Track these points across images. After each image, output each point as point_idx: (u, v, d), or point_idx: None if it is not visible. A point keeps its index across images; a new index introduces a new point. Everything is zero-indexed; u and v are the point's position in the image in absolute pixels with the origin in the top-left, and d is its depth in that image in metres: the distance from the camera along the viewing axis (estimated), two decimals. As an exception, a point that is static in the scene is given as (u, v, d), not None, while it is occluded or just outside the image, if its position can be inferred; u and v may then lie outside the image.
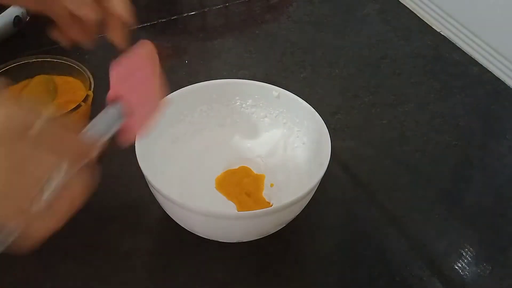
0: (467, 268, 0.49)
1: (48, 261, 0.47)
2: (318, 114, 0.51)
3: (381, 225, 0.52)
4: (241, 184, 0.53)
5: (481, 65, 0.72)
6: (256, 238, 0.47)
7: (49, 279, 0.46)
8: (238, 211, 0.50)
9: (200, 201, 0.50)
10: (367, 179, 0.56)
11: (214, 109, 0.55)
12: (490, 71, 0.71)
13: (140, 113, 0.38)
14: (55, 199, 0.29)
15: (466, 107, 0.66)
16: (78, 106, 0.52)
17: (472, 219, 0.53)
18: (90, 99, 0.54)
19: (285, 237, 0.49)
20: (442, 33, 0.78)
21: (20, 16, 0.68)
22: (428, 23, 0.79)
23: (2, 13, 0.67)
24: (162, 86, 0.40)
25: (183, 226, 0.47)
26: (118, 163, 0.55)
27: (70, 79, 0.58)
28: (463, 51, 0.74)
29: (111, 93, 0.37)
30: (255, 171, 0.54)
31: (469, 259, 0.49)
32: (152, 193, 0.46)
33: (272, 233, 0.47)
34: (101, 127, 0.35)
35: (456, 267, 0.49)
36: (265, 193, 0.52)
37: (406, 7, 0.83)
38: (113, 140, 0.36)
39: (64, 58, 0.58)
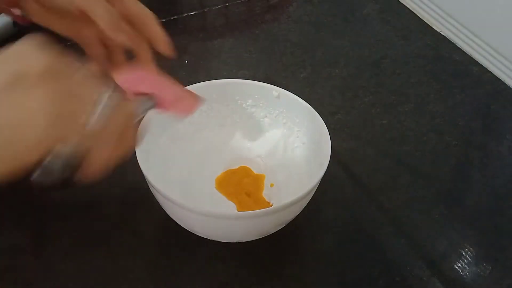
0: (467, 268, 0.49)
1: (48, 261, 0.47)
2: (318, 114, 0.51)
3: (381, 225, 0.52)
4: (241, 184, 0.53)
5: (481, 65, 0.72)
6: (256, 238, 0.47)
7: (49, 279, 0.46)
8: (238, 211, 0.50)
9: (200, 201, 0.50)
10: (367, 179, 0.56)
11: (214, 109, 0.55)
12: (490, 71, 0.71)
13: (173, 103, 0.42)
14: (106, 123, 0.33)
15: (466, 107, 0.66)
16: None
17: (472, 219, 0.53)
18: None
19: (285, 237, 0.49)
20: (442, 33, 0.78)
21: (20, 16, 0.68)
22: (428, 23, 0.79)
23: (2, 13, 0.67)
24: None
25: (183, 226, 0.47)
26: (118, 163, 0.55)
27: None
28: (463, 51, 0.74)
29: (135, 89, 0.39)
30: (255, 171, 0.54)
31: (469, 259, 0.49)
32: (152, 193, 0.46)
33: (272, 233, 0.47)
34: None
35: (456, 267, 0.49)
36: (265, 193, 0.52)
37: (406, 7, 0.83)
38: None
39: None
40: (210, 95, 0.55)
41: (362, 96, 0.66)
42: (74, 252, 0.48)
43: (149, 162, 0.47)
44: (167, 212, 0.47)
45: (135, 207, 0.51)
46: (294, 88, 0.55)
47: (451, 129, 0.63)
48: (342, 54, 0.73)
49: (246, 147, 0.56)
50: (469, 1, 0.75)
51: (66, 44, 0.45)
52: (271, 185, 0.53)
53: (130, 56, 0.47)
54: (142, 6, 0.43)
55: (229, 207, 0.50)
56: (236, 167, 0.54)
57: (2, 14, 0.67)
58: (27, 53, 0.31)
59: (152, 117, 0.49)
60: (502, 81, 0.70)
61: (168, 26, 0.46)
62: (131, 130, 0.37)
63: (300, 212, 0.47)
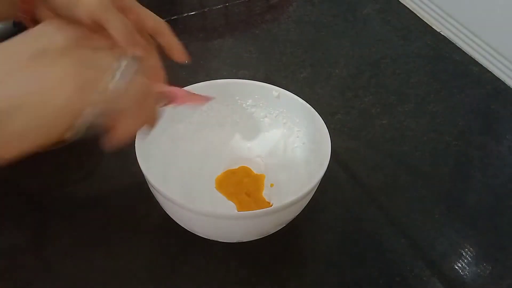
0: (467, 268, 0.49)
1: (48, 261, 0.47)
2: (318, 114, 0.51)
3: (381, 225, 0.52)
4: (241, 184, 0.53)
5: (481, 65, 0.72)
6: (256, 238, 0.47)
7: (49, 279, 0.46)
8: (238, 211, 0.50)
9: (200, 201, 0.50)
10: (367, 179, 0.56)
11: (214, 109, 0.55)
12: (490, 71, 0.71)
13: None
14: (127, 88, 0.35)
15: (466, 107, 0.66)
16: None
17: (472, 219, 0.53)
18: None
19: (285, 237, 0.49)
20: (442, 33, 0.78)
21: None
22: (428, 23, 0.79)
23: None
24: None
25: (183, 226, 0.47)
26: (118, 163, 0.55)
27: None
28: (463, 51, 0.74)
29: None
30: (255, 171, 0.54)
31: (469, 259, 0.49)
32: (152, 193, 0.46)
33: (272, 233, 0.47)
34: None
35: (456, 267, 0.49)
36: (265, 193, 0.52)
37: (406, 7, 0.83)
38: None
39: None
40: (210, 95, 0.54)
41: (362, 96, 0.66)
42: (74, 252, 0.48)
43: (149, 162, 0.47)
44: (167, 212, 0.47)
45: (135, 207, 0.51)
46: (294, 88, 0.55)
47: (451, 129, 0.63)
48: (342, 54, 0.73)
49: (246, 147, 0.56)
50: (469, 1, 0.75)
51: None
52: (271, 185, 0.53)
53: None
54: (156, 17, 0.43)
55: (229, 207, 0.50)
56: (236, 167, 0.54)
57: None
58: (49, 31, 0.35)
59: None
60: (502, 81, 0.70)
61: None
62: (151, 99, 0.39)
63: (300, 212, 0.47)
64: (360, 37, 0.76)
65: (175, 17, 0.77)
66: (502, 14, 0.70)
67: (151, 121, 0.41)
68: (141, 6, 0.43)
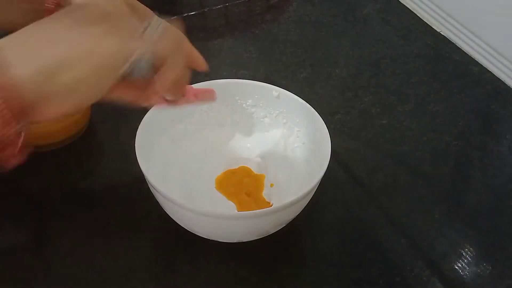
0: (467, 268, 0.49)
1: (48, 261, 0.47)
2: (318, 114, 0.51)
3: (381, 225, 0.52)
4: (241, 184, 0.53)
5: (481, 65, 0.72)
6: (256, 238, 0.47)
7: (49, 279, 0.46)
8: (238, 211, 0.50)
9: (200, 201, 0.50)
10: (367, 179, 0.56)
11: (214, 109, 0.55)
12: (490, 71, 0.71)
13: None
14: (162, 34, 0.39)
15: (466, 107, 0.66)
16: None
17: (472, 219, 0.53)
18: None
19: (285, 237, 0.49)
20: (442, 33, 0.78)
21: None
22: (428, 23, 0.79)
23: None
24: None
25: (183, 226, 0.47)
26: (118, 163, 0.55)
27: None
28: (463, 51, 0.74)
29: None
30: (255, 171, 0.54)
31: (469, 259, 0.49)
32: (152, 193, 0.46)
33: (272, 233, 0.47)
34: None
35: (456, 267, 0.49)
36: (265, 193, 0.52)
37: (406, 7, 0.83)
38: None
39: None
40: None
41: (362, 96, 0.66)
42: (74, 252, 0.48)
43: (149, 162, 0.47)
44: (167, 212, 0.47)
45: (135, 207, 0.51)
46: (294, 88, 0.55)
47: (451, 129, 0.63)
48: (342, 54, 0.73)
49: (246, 147, 0.56)
50: (469, 1, 0.75)
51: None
52: (271, 185, 0.53)
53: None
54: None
55: (229, 207, 0.50)
56: (236, 167, 0.54)
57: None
58: (89, 4, 0.37)
59: (152, 117, 0.49)
60: (502, 81, 0.70)
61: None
62: (186, 44, 0.43)
63: (300, 212, 0.47)
64: (360, 37, 0.76)
65: (175, 17, 0.77)
66: (502, 14, 0.70)
67: (183, 82, 0.43)
68: None
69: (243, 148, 0.56)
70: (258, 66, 0.70)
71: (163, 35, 0.39)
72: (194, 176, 0.53)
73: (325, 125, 0.50)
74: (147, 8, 0.42)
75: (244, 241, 0.47)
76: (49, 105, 0.34)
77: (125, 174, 0.54)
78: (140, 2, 0.43)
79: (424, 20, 0.80)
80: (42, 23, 0.35)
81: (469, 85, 0.69)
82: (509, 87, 0.69)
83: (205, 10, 0.80)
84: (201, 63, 0.45)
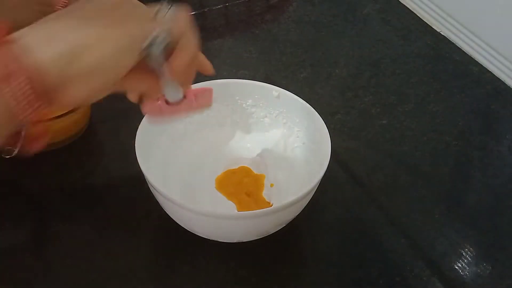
0: (467, 268, 0.49)
1: (48, 261, 0.47)
2: (318, 114, 0.51)
3: (381, 225, 0.52)
4: (241, 184, 0.53)
5: (481, 65, 0.72)
6: (256, 238, 0.47)
7: (49, 279, 0.46)
8: (238, 211, 0.50)
9: (200, 201, 0.50)
10: (367, 179, 0.56)
11: (214, 109, 0.55)
12: (490, 71, 0.71)
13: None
14: (174, 17, 0.39)
15: (466, 107, 0.66)
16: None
17: (472, 219, 0.53)
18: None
19: (285, 237, 0.49)
20: (442, 33, 0.78)
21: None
22: (428, 23, 0.79)
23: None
24: None
25: (183, 226, 0.47)
26: (118, 163, 0.55)
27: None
28: (463, 51, 0.74)
29: None
30: (255, 171, 0.54)
31: (469, 259, 0.49)
32: (152, 193, 0.46)
33: (272, 233, 0.47)
34: None
35: (456, 267, 0.49)
36: (265, 193, 0.52)
37: (406, 7, 0.83)
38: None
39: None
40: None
41: (362, 96, 0.66)
42: (74, 252, 0.48)
43: (149, 162, 0.47)
44: (167, 212, 0.47)
45: (135, 207, 0.51)
46: (294, 88, 0.55)
47: (451, 129, 0.63)
48: (342, 54, 0.73)
49: (246, 147, 0.56)
50: (469, 1, 0.75)
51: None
52: (271, 185, 0.53)
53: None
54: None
55: (229, 207, 0.50)
56: (236, 167, 0.54)
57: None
58: None
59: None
60: (502, 81, 0.70)
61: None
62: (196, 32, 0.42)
63: (300, 212, 0.47)
64: (360, 37, 0.76)
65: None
66: (502, 14, 0.70)
67: (193, 69, 0.43)
68: None
69: (243, 148, 0.56)
70: (258, 66, 0.70)
71: (175, 17, 0.40)
72: (194, 176, 0.53)
73: (325, 125, 0.50)
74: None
75: (244, 241, 0.47)
76: (71, 88, 0.34)
77: (125, 174, 0.54)
78: (140, 1, 0.43)
79: (424, 20, 0.80)
80: (59, 14, 0.37)
81: (469, 85, 0.69)
82: (509, 87, 0.69)
83: (205, 10, 0.80)
84: (208, 67, 0.45)
